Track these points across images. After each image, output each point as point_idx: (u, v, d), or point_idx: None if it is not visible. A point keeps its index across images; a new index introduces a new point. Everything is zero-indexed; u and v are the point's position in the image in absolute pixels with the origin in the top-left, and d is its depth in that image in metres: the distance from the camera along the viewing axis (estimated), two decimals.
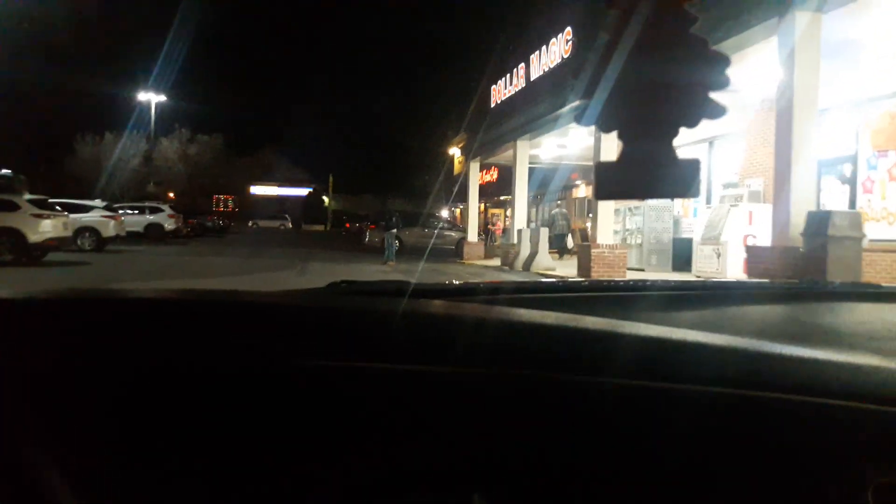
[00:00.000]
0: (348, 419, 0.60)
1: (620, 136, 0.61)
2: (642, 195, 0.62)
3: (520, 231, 15.18)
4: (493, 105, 17.91)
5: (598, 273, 10.97)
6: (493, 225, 28.39)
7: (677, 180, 0.60)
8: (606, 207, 11.54)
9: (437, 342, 0.63)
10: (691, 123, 0.60)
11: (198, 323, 0.64)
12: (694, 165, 0.61)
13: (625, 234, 13.52)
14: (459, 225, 26.35)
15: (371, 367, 0.61)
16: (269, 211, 61.30)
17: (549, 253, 14.56)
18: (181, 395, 0.60)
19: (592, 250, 11.23)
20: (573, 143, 15.68)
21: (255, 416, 0.59)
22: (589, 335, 0.65)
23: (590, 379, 0.60)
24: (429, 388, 0.60)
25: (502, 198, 28.06)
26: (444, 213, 32.61)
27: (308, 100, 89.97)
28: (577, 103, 0.63)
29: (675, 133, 0.60)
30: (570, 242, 19.12)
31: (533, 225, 16.79)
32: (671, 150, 0.61)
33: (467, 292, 1.01)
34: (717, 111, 0.60)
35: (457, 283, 1.10)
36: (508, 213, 29.49)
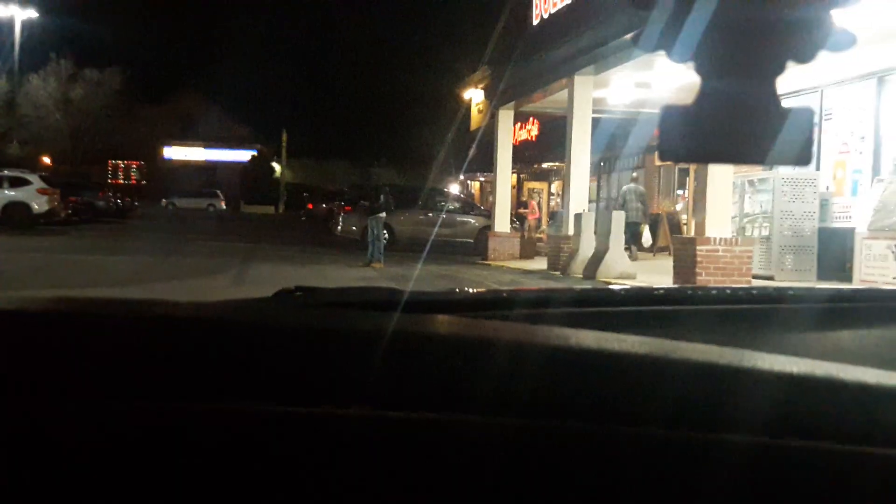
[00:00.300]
0: (295, 494, 0.62)
1: (698, 70, 0.64)
2: (722, 158, 0.65)
3: (578, 216, 15.19)
4: (534, 22, 18.14)
5: (707, 283, 11.01)
6: (527, 207, 28.31)
7: (778, 139, 0.63)
8: (721, 179, 11.65)
9: (445, 377, 0.66)
10: (803, 56, 0.63)
11: (50, 342, 0.68)
12: (804, 118, 0.64)
13: (742, 221, 13.66)
14: (480, 206, 26.39)
15: (338, 416, 0.63)
16: (193, 184, 62.11)
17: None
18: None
19: (698, 247, 11.35)
20: (662, 81, 15.58)
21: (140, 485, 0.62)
22: (688, 369, 0.68)
23: (692, 435, 0.63)
24: (432, 446, 0.63)
25: (545, 165, 28.17)
26: (455, 189, 32.65)
27: (249, 19, 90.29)
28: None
29: (780, 69, 0.63)
30: (646, 235, 18.89)
31: (595, 206, 16.53)
32: (772, 94, 0.63)
33: (491, 305, 1.11)
34: (841, 40, 0.62)
35: (474, 291, 1.19)
36: (554, 188, 29.49)
